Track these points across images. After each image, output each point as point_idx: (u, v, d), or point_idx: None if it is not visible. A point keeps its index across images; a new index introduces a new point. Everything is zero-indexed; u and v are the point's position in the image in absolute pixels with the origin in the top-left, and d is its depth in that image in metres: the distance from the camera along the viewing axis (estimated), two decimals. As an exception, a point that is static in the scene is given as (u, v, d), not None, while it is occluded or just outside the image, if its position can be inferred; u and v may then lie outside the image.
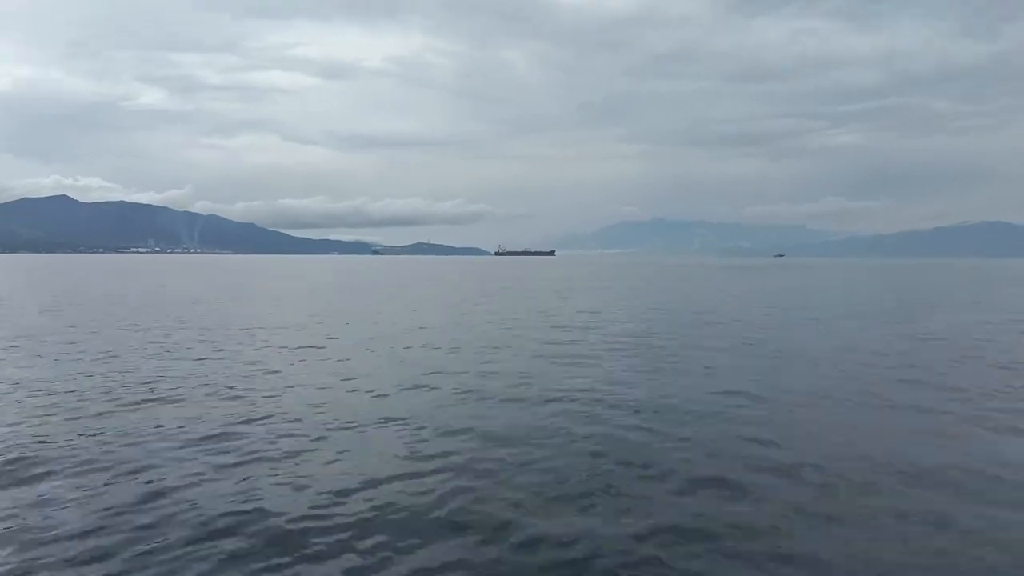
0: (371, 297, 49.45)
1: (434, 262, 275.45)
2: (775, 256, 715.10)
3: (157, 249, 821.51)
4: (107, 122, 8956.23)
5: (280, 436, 11.43)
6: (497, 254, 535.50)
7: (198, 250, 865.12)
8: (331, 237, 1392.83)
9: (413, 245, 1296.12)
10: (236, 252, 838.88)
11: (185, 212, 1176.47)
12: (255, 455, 10.44)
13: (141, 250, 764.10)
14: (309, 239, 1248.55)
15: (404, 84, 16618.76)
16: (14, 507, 8.41)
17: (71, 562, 7.10)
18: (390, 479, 9.47)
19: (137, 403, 13.70)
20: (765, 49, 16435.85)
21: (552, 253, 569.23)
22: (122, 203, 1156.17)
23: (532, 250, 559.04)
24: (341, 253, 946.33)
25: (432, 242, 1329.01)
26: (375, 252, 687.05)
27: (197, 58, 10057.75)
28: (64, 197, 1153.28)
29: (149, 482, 9.28)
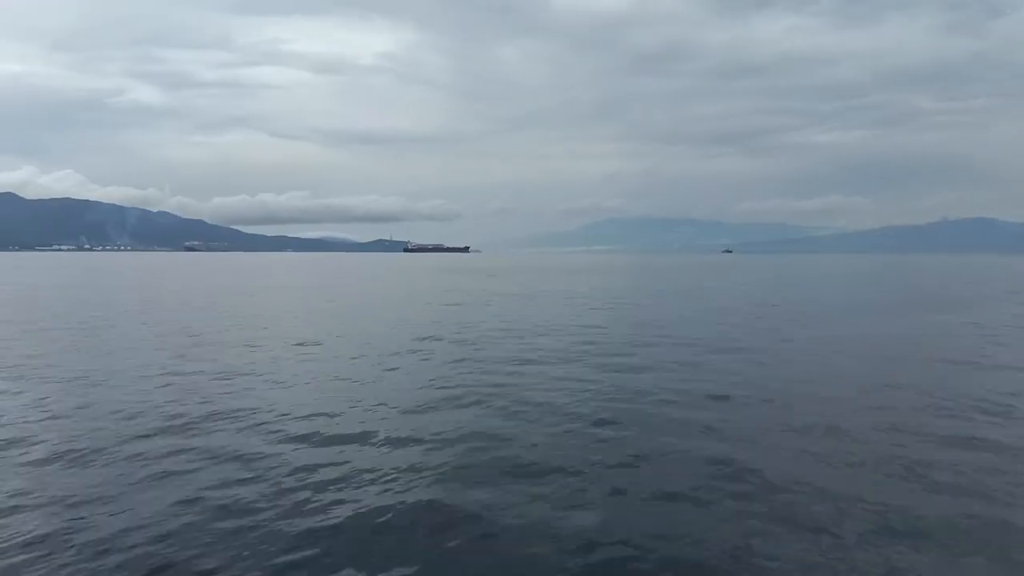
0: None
1: (255, 259, 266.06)
2: (723, 252, 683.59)
3: (87, 247, 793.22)
4: (94, 119, 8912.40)
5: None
6: (406, 250, 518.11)
7: (127, 247, 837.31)
8: (291, 234, 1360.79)
9: (374, 242, 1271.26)
10: (175, 250, 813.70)
11: (118, 207, 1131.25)
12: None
13: (63, 248, 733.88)
14: (264, 236, 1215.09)
15: (397, 80, 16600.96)
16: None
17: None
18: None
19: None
20: (753, 46, 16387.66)
21: (466, 249, 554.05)
22: (66, 200, 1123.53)
23: (446, 246, 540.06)
24: (296, 251, 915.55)
25: (394, 239, 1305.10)
26: (189, 248, 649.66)
27: (188, 54, 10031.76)
28: (10, 195, 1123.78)
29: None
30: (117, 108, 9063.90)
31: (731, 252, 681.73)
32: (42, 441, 11.10)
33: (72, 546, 7.42)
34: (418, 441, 11.11)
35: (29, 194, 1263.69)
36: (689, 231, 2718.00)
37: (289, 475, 9.48)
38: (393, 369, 17.60)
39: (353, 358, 19.38)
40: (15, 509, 8.37)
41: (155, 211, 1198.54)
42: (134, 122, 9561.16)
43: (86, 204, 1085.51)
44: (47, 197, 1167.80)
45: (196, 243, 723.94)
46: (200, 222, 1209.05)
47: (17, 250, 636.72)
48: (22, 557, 7.18)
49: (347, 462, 10.08)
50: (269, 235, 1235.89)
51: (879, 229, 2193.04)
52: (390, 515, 8.25)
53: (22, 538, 7.58)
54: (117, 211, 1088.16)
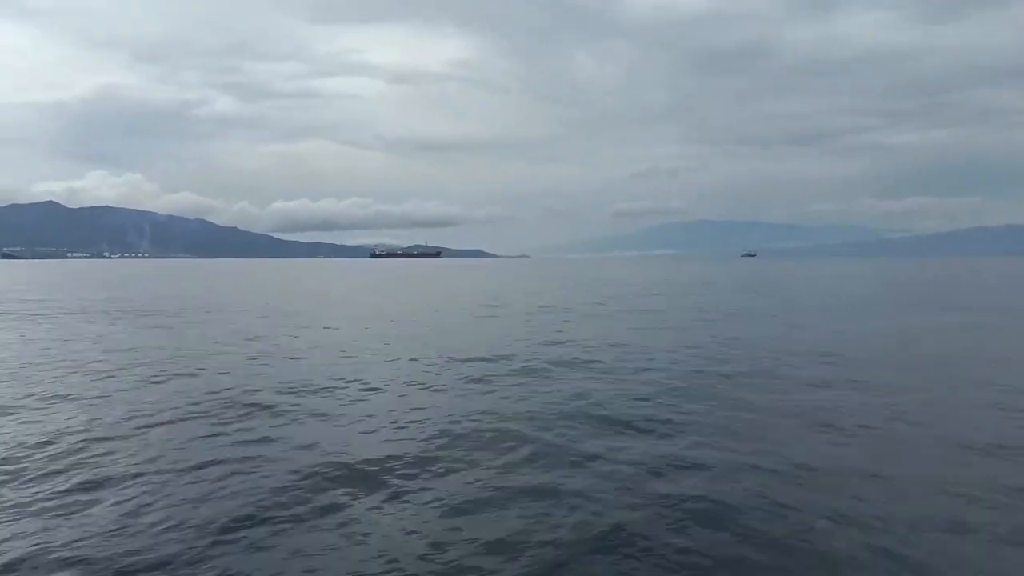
0: None
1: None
2: (743, 256, 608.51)
3: (106, 254, 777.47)
4: (174, 129, 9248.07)
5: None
6: (373, 256, 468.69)
7: (147, 254, 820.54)
8: (349, 242, 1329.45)
9: (409, 247, 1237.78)
10: (200, 256, 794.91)
11: (141, 212, 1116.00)
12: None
13: (76, 255, 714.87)
14: (300, 242, 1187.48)
15: (467, 87, 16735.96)
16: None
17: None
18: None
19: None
20: (834, 43, 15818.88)
21: (438, 255, 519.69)
22: (106, 208, 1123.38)
23: (415, 252, 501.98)
24: (328, 257, 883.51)
25: (430, 243, 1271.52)
26: (7, 256, 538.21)
27: (266, 65, 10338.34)
28: (51, 203, 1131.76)
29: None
30: (196, 119, 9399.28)
31: (754, 256, 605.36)
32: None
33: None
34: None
35: (73, 203, 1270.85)
36: (757, 234, 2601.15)
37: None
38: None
39: None
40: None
41: (191, 218, 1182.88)
42: (209, 133, 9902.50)
43: (108, 211, 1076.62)
44: (87, 206, 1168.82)
45: (16, 249, 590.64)
46: (233, 229, 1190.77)
47: (41, 257, 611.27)
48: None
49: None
50: (305, 242, 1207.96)
51: (966, 231, 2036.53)
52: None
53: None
54: (138, 217, 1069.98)
